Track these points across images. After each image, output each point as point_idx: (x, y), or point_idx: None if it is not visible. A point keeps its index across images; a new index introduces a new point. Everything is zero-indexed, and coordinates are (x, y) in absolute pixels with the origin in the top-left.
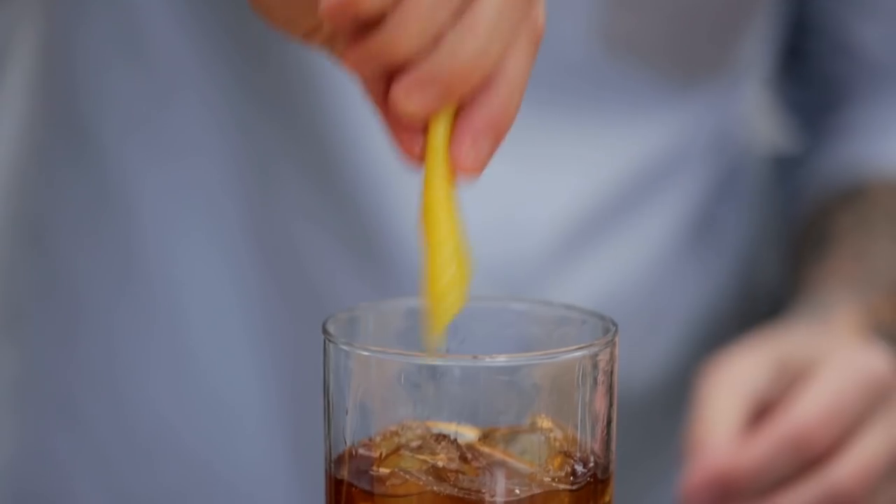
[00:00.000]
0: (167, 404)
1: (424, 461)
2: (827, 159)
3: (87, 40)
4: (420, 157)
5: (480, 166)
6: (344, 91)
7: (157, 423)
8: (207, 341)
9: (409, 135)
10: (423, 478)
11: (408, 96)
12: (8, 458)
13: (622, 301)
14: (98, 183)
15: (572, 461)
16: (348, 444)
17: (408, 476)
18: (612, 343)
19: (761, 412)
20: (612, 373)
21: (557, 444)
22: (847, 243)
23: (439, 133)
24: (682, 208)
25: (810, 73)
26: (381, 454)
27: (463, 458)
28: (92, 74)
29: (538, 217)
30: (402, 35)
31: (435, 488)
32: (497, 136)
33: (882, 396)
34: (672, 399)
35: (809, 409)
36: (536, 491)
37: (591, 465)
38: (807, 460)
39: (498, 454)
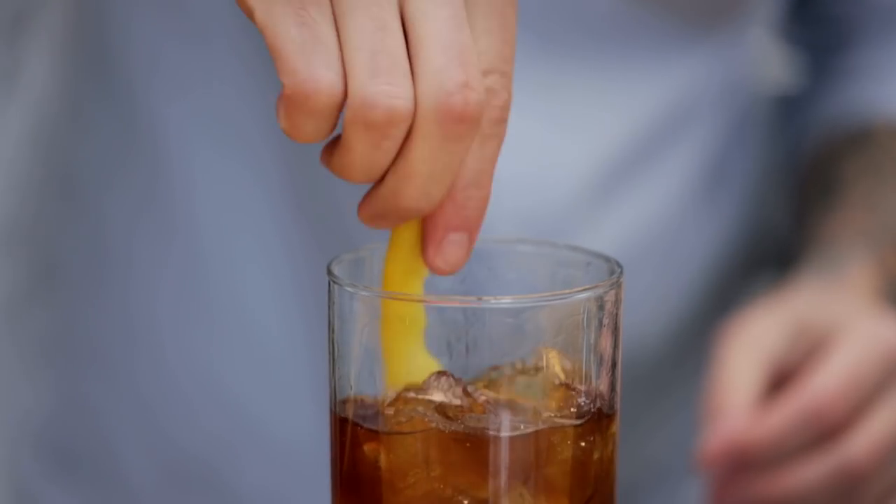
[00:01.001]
0: (207, 354)
1: (430, 400)
2: (833, 101)
3: None
4: None
5: (453, 267)
6: None
7: (197, 373)
8: (245, 286)
9: None
10: (429, 415)
11: (369, 220)
12: (47, 413)
13: (643, 248)
14: (130, 130)
15: (576, 400)
16: (353, 384)
17: (413, 414)
18: (617, 285)
19: (779, 376)
20: (617, 315)
21: (561, 382)
22: (857, 192)
23: (403, 237)
24: (698, 154)
25: (818, 15)
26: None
27: (468, 396)
28: (122, 16)
29: (564, 167)
30: (345, 175)
31: (440, 426)
32: (469, 235)
33: None
34: (682, 347)
35: (827, 383)
36: (541, 428)
37: (596, 405)
38: (822, 433)
39: (503, 392)
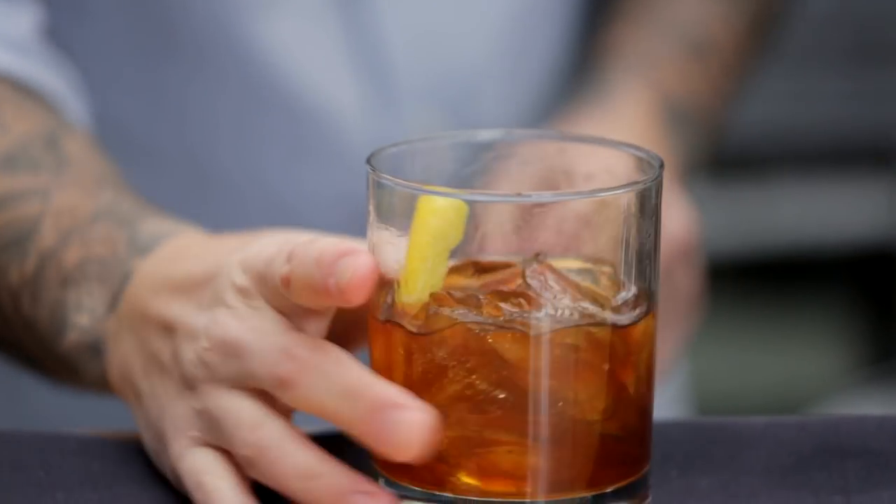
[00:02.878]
0: None
1: (469, 287)
2: None
3: None
4: None
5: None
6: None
7: None
8: None
9: None
10: (479, 297)
11: None
12: None
13: (554, 94)
14: None
15: (621, 295)
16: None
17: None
18: (658, 179)
19: None
20: (657, 207)
21: (604, 278)
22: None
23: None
24: None
25: None
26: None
27: (511, 291)
28: None
29: (466, 28)
30: None
31: (478, 319)
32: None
33: None
34: None
35: None
36: (587, 322)
37: (640, 297)
38: None
39: (548, 284)
